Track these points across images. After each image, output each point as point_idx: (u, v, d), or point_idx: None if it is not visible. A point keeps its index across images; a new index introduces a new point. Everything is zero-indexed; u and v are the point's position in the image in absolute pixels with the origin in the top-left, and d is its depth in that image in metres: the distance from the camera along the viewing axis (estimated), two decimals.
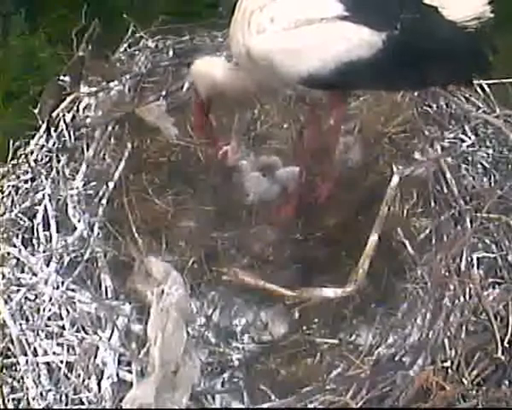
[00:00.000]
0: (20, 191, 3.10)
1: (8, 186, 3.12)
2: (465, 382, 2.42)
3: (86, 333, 2.58)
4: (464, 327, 2.58)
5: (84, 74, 3.53)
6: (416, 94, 3.37)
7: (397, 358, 2.55)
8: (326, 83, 2.64)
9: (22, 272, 2.80)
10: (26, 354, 2.54)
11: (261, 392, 2.53)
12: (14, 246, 2.87)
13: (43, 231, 2.93)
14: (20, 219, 2.97)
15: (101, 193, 3.08)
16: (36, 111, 3.36)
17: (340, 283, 2.68)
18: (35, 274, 2.77)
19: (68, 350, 2.54)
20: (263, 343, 2.72)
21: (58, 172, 3.13)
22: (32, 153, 3.24)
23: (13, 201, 3.06)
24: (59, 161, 3.19)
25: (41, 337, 2.58)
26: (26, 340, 2.57)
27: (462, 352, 2.48)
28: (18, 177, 3.16)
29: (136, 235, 2.90)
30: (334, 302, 2.72)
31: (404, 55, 2.63)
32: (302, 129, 3.34)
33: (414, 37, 2.64)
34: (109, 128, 3.36)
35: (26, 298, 2.70)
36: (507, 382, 2.49)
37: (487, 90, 3.43)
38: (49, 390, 2.46)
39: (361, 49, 2.58)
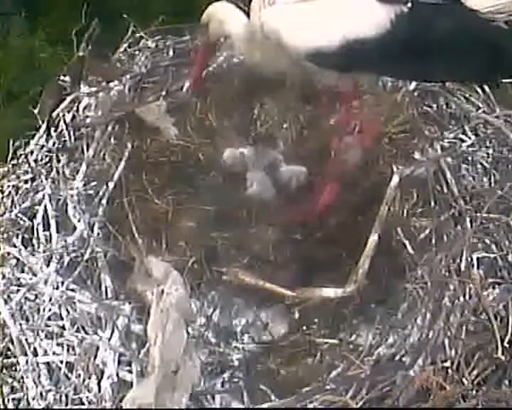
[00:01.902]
0: (20, 191, 3.11)
1: (8, 186, 3.13)
2: (465, 382, 2.42)
3: (86, 333, 2.58)
4: (464, 327, 2.58)
5: (84, 74, 3.52)
6: (415, 94, 3.36)
7: (397, 358, 2.56)
8: (332, 61, 2.57)
9: (22, 272, 2.81)
10: (26, 354, 2.56)
11: (261, 392, 2.52)
12: (14, 246, 2.88)
13: (43, 231, 2.93)
14: (20, 219, 2.98)
15: (101, 193, 3.07)
16: (36, 111, 3.37)
17: (341, 283, 2.69)
18: (35, 274, 2.78)
19: (68, 350, 2.55)
20: (263, 343, 2.71)
21: (58, 172, 3.14)
22: (32, 153, 3.25)
23: (13, 201, 3.07)
24: (59, 161, 3.19)
25: (41, 337, 2.59)
26: (26, 340, 2.58)
27: (462, 352, 2.48)
28: (18, 177, 3.17)
29: (136, 235, 2.88)
30: (334, 302, 2.72)
31: (414, 40, 2.52)
32: (302, 129, 3.39)
33: (426, 21, 2.52)
34: (109, 128, 3.35)
35: (26, 298, 2.71)
36: (507, 382, 2.50)
37: (487, 90, 3.42)
38: (49, 390, 2.47)
39: (369, 27, 2.50)
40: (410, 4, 2.53)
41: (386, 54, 2.54)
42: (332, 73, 2.68)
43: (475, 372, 2.46)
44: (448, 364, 2.46)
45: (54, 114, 3.35)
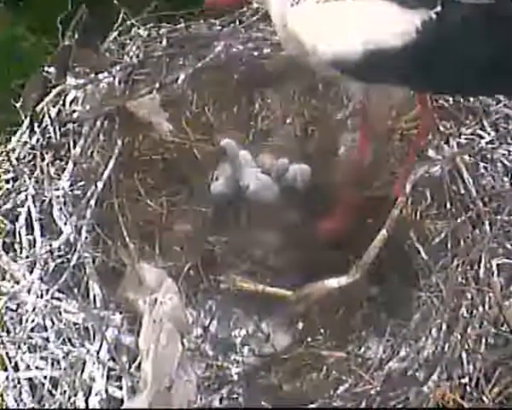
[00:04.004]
0: (0, 192, 3.08)
1: None
2: (485, 400, 2.42)
3: (73, 346, 2.58)
4: (484, 340, 2.58)
5: (71, 65, 3.52)
6: None
7: (410, 373, 2.55)
8: (355, 70, 2.55)
9: (3, 279, 2.80)
10: (6, 370, 2.55)
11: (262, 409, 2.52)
12: None
13: (27, 235, 2.92)
14: (2, 222, 2.96)
15: (89, 194, 3.06)
16: (18, 105, 3.36)
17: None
18: (17, 282, 2.77)
19: (53, 364, 2.54)
20: (264, 356, 2.72)
21: (42, 172, 3.13)
22: (13, 150, 3.23)
23: None
24: (43, 160, 3.18)
25: (23, 351, 2.58)
26: (7, 354, 2.58)
27: (481, 367, 2.48)
28: None
29: (127, 239, 2.89)
30: (341, 312, 2.74)
31: (442, 49, 2.49)
32: (306, 125, 3.39)
33: (457, 28, 2.48)
34: (98, 124, 3.34)
35: (7, 308, 2.70)
36: None
37: None
38: (32, 409, 2.46)
39: (392, 36, 2.49)
40: (439, 8, 2.48)
41: (409, 64, 2.52)
42: (358, 84, 2.69)
43: (496, 390, 2.46)
44: (466, 380, 2.46)
45: (38, 109, 3.34)
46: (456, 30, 2.50)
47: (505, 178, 3.13)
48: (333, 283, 2.71)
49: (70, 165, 3.17)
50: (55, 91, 3.43)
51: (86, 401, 2.45)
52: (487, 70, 2.50)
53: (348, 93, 2.89)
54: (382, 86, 2.67)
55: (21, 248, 2.89)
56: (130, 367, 2.52)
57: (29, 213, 2.98)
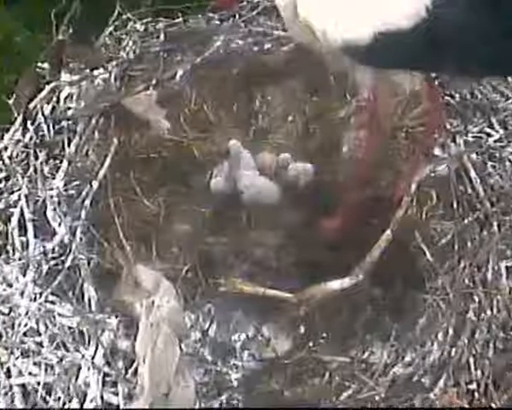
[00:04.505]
0: None
1: None
2: (494, 406, 2.41)
3: (67, 350, 2.57)
4: (492, 344, 2.58)
5: (65, 61, 3.52)
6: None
7: (415, 378, 2.55)
8: (363, 54, 2.56)
9: None
10: None
11: None
12: None
13: (19, 236, 2.92)
14: None
15: (84, 193, 3.06)
16: (11, 102, 3.35)
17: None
18: (10, 285, 2.76)
19: (46, 370, 2.53)
20: (265, 361, 2.70)
21: (36, 171, 3.13)
22: (6, 149, 3.23)
23: None
24: (37, 158, 3.19)
25: (16, 356, 2.57)
26: None
27: (489, 373, 2.48)
28: None
29: (123, 240, 2.88)
30: (344, 315, 2.74)
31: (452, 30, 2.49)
32: (308, 123, 3.39)
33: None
34: (93, 121, 3.35)
35: None
36: None
37: None
38: None
39: (402, 17, 2.49)
40: None
41: (421, 46, 2.52)
42: (369, 71, 2.68)
43: (506, 396, 2.45)
44: (474, 386, 2.46)
45: (31, 106, 3.35)
46: (467, 7, 2.50)
47: None
48: (335, 285, 2.71)
49: (64, 164, 3.17)
50: (48, 88, 3.44)
51: (81, 408, 2.44)
52: (500, 47, 2.50)
53: (355, 86, 2.86)
54: (393, 72, 2.67)
55: (14, 250, 2.88)
56: (126, 373, 2.51)
57: (22, 213, 2.97)
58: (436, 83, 3.14)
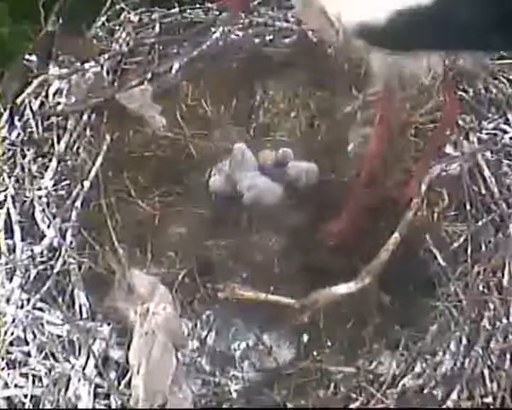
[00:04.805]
0: None
1: None
2: None
3: (56, 361, 2.56)
4: (508, 355, 2.57)
5: (54, 53, 3.51)
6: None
7: (426, 390, 2.52)
8: (379, 37, 2.54)
9: None
10: None
11: None
12: None
13: (6, 239, 2.90)
14: None
15: (74, 194, 3.05)
16: None
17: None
18: None
19: (34, 382, 2.53)
20: (266, 371, 2.67)
21: (23, 170, 3.12)
22: None
23: None
24: (24, 156, 3.18)
25: (1, 366, 2.55)
26: None
27: (505, 385, 2.47)
28: None
29: (116, 243, 2.86)
30: (350, 323, 2.71)
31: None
32: (312, 119, 3.38)
33: None
34: (84, 117, 3.34)
35: None
36: None
37: None
38: None
39: None
40: None
41: (440, 23, 2.49)
42: (384, 57, 2.64)
43: None
44: (489, 399, 2.45)
45: (18, 100, 3.34)
46: None
47: None
48: (341, 290, 2.68)
49: (54, 162, 3.16)
50: (36, 82, 3.45)
51: None
52: None
53: (369, 76, 2.83)
54: (409, 61, 2.63)
55: (0, 254, 2.86)
56: (119, 384, 2.50)
57: (8, 215, 2.96)
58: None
